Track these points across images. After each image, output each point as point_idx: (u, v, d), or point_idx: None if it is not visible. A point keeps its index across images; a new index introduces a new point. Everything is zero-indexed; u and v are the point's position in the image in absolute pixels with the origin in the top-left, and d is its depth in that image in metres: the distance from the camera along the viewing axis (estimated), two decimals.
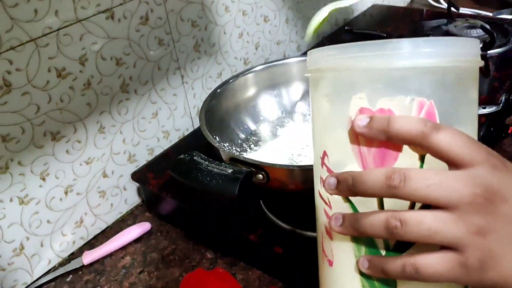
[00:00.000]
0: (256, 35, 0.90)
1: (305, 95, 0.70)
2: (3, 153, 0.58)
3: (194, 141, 0.78)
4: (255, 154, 0.62)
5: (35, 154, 0.61)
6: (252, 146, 0.66)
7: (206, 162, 0.46)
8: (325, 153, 0.35)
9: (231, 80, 0.65)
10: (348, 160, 0.34)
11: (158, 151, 0.77)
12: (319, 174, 0.36)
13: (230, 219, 0.61)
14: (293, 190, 0.53)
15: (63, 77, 0.61)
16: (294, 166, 0.48)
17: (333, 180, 0.33)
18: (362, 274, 0.34)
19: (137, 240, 0.70)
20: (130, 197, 0.76)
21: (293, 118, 0.70)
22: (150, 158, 0.76)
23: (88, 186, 0.69)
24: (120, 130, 0.71)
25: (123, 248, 0.69)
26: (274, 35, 0.95)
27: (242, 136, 0.65)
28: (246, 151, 0.64)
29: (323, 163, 0.35)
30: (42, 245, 0.65)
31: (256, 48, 0.91)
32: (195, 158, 0.47)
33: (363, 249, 0.34)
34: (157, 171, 0.72)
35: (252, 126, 0.67)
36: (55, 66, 0.60)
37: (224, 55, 0.84)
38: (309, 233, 0.56)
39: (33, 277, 0.66)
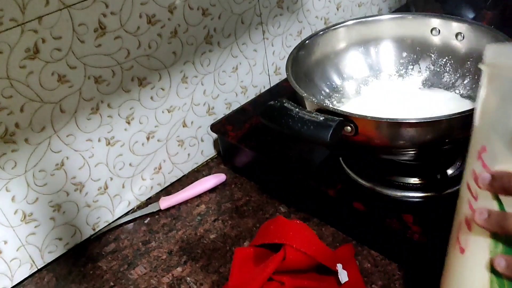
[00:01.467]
0: None
1: (393, 54, 0.68)
2: (95, 94, 0.60)
3: (271, 99, 0.77)
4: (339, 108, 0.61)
5: (122, 97, 0.63)
6: (334, 102, 0.65)
7: (297, 109, 0.46)
8: (483, 148, 0.35)
9: (321, 33, 0.64)
10: (506, 160, 0.34)
11: (235, 106, 0.78)
12: (472, 166, 0.36)
13: (308, 173, 0.61)
14: (378, 145, 0.52)
15: (152, 24, 0.62)
16: (384, 118, 0.47)
17: (488, 176, 0.34)
18: (493, 271, 0.35)
19: (212, 190, 0.72)
20: (207, 149, 0.77)
21: (378, 77, 0.68)
22: (227, 111, 0.77)
23: (168, 134, 0.71)
24: (202, 81, 0.72)
25: (198, 196, 0.71)
26: None
27: (326, 91, 0.65)
28: (330, 103, 0.64)
29: (479, 157, 0.35)
30: (123, 187, 0.68)
31: (338, 9, 0.89)
32: (285, 104, 0.47)
33: (500, 246, 0.35)
34: (235, 123, 0.72)
35: (337, 81, 0.66)
36: (146, 12, 0.61)
37: (306, 13, 0.83)
38: (389, 192, 0.55)
39: (114, 216, 0.69)
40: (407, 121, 0.47)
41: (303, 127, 0.44)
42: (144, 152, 0.69)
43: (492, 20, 0.84)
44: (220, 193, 0.71)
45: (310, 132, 0.43)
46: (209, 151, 0.78)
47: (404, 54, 0.68)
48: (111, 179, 0.66)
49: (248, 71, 0.78)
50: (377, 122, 0.47)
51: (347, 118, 0.47)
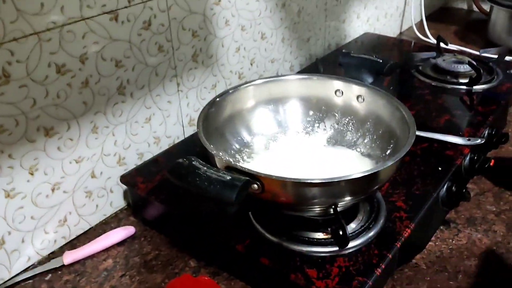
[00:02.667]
0: (252, 51, 0.91)
1: (300, 112, 0.72)
2: None
3: (184, 150, 0.78)
4: (247, 166, 0.63)
5: (26, 148, 0.60)
6: (245, 157, 0.66)
7: (205, 168, 0.47)
8: None
9: (230, 91, 0.66)
10: None
11: (147, 156, 0.77)
12: None
13: (218, 228, 0.61)
14: (284, 203, 0.54)
15: (62, 74, 0.61)
16: (289, 178, 0.49)
17: None
18: None
19: (120, 244, 0.69)
20: (116, 200, 0.75)
21: (286, 133, 0.71)
22: (139, 162, 0.76)
23: (75, 185, 0.68)
24: (113, 131, 0.71)
25: (106, 250, 0.68)
26: (269, 53, 0.96)
27: (236, 146, 0.66)
28: (239, 162, 0.65)
29: None
30: (23, 241, 0.64)
31: (251, 64, 0.93)
32: (193, 162, 0.48)
33: None
34: (146, 175, 0.71)
35: (247, 137, 0.68)
36: (56, 61, 0.60)
37: (220, 67, 0.85)
38: (295, 247, 0.57)
39: (11, 273, 0.64)
40: (309, 181, 0.49)
41: (210, 186, 0.45)
42: (48, 204, 0.66)
43: (389, 84, 0.92)
44: (129, 247, 0.69)
45: (216, 192, 0.44)
46: (119, 203, 0.76)
47: (311, 113, 0.72)
48: (9, 233, 0.62)
49: (161, 122, 0.78)
50: (282, 182, 0.49)
51: (254, 177, 0.49)
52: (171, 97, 0.78)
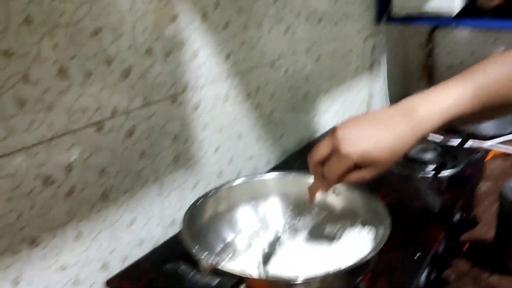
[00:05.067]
0: (230, 150, 0.96)
1: (280, 208, 0.75)
2: None
3: (168, 250, 0.79)
4: (232, 265, 0.64)
5: (9, 260, 0.61)
6: (229, 256, 0.68)
7: (192, 273, 0.49)
8: None
9: (210, 193, 0.69)
10: None
11: (132, 259, 0.78)
12: None
13: None
14: None
15: (48, 185, 0.63)
16: (273, 278, 0.50)
17: None
18: None
19: None
20: None
21: (267, 229, 0.73)
22: (123, 265, 0.76)
23: None
24: (97, 237, 0.72)
25: None
26: (246, 151, 1.01)
27: (220, 245, 0.68)
28: (223, 261, 0.66)
29: None
30: None
31: (230, 162, 0.97)
32: (180, 269, 0.49)
33: None
34: (132, 279, 0.72)
35: (229, 236, 0.70)
36: (42, 173, 0.62)
37: (201, 167, 0.89)
38: None
39: None
40: (292, 281, 0.51)
41: None
42: None
43: None
44: None
45: None
46: None
47: (291, 207, 0.75)
48: None
49: (144, 224, 0.80)
50: (267, 282, 0.51)
51: (240, 279, 0.50)
52: (153, 199, 0.80)
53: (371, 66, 1.51)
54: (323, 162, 0.61)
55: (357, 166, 0.58)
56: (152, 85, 0.76)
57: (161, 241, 0.83)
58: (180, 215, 0.67)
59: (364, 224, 0.68)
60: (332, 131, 0.60)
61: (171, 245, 0.81)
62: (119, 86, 0.71)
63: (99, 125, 0.69)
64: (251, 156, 1.03)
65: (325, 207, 0.72)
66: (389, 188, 0.93)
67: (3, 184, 0.58)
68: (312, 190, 0.66)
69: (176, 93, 0.80)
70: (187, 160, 0.86)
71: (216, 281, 0.47)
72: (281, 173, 0.76)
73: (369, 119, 0.60)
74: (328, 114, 1.31)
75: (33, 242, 0.63)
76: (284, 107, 1.11)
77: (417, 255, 0.73)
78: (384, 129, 0.58)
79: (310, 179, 0.73)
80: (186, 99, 0.83)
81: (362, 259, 0.54)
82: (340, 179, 0.60)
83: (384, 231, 0.59)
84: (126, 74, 0.71)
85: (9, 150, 0.59)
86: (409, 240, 0.76)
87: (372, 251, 0.55)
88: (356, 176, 0.59)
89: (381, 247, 0.56)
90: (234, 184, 0.72)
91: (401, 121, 0.58)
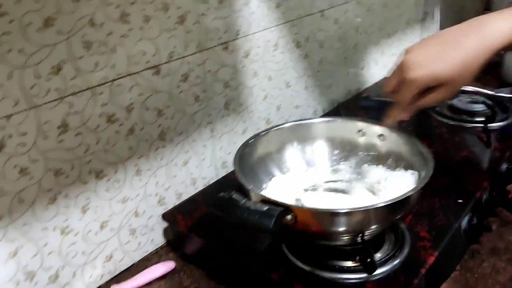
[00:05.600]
0: (278, 98, 0.99)
1: (326, 151, 0.78)
2: (54, 186, 0.64)
3: (218, 190, 0.83)
4: (279, 197, 0.68)
5: (80, 189, 0.67)
6: (277, 190, 0.72)
7: (243, 200, 0.53)
8: None
9: (263, 133, 0.73)
10: None
11: (185, 196, 0.83)
12: None
13: (253, 259, 0.66)
14: (315, 233, 0.59)
15: (111, 122, 0.69)
16: (319, 209, 0.54)
17: None
18: None
19: (161, 278, 0.74)
20: (157, 238, 0.81)
21: (314, 171, 0.77)
22: (177, 202, 0.82)
23: (121, 223, 0.74)
24: (155, 174, 0.77)
25: (148, 284, 0.73)
26: (294, 100, 1.04)
27: (269, 182, 0.72)
28: (272, 193, 0.71)
29: None
30: (74, 275, 0.70)
31: (278, 110, 1.00)
32: (233, 196, 0.53)
33: None
34: (185, 213, 0.77)
35: (278, 174, 0.74)
36: (106, 112, 0.68)
37: (250, 114, 0.93)
38: (326, 274, 0.61)
39: None
40: (338, 211, 0.54)
41: (249, 216, 0.50)
42: (97, 241, 0.72)
43: (407, 125, 0.98)
44: (169, 281, 0.74)
45: (255, 221, 0.50)
46: (159, 240, 0.81)
47: (336, 152, 0.77)
48: (63, 267, 0.68)
49: (197, 165, 0.85)
50: (313, 212, 0.55)
51: (288, 209, 0.54)
52: (206, 141, 0.85)
53: (424, 18, 1.48)
54: (396, 90, 0.62)
55: (429, 89, 0.59)
56: (206, 31, 0.79)
57: (212, 181, 0.88)
58: (230, 158, 0.71)
59: (407, 168, 0.70)
60: (401, 58, 0.61)
61: (222, 185, 0.86)
62: (175, 32, 0.74)
63: (156, 69, 0.73)
64: (299, 105, 1.06)
65: (371, 151, 0.74)
66: (436, 137, 0.94)
67: (72, 120, 0.64)
68: (389, 118, 0.66)
69: (228, 40, 0.83)
70: (238, 106, 0.90)
71: (265, 207, 0.51)
72: (328, 118, 0.78)
73: (436, 40, 0.61)
74: (377, 66, 1.31)
75: (98, 174, 0.69)
76: (333, 57, 1.12)
77: (461, 200, 0.74)
78: (454, 47, 0.58)
79: (357, 124, 0.76)
80: (238, 46, 0.86)
81: (402, 195, 0.56)
82: (412, 104, 0.61)
83: (427, 172, 0.61)
84: (182, 20, 0.75)
85: (78, 89, 0.64)
86: (453, 186, 0.78)
87: (413, 189, 0.57)
88: (431, 98, 0.60)
89: (422, 186, 0.58)
90: (283, 127, 0.75)
91: (471, 36, 0.58)
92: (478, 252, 0.74)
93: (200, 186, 0.86)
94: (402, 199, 0.56)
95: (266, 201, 0.56)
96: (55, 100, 0.61)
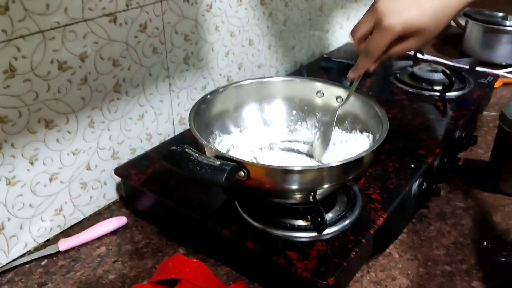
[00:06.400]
0: (240, 56, 0.97)
1: (284, 111, 0.78)
2: None
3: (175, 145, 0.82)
4: (234, 153, 0.68)
5: (27, 138, 0.65)
6: (233, 145, 0.72)
7: (196, 154, 0.52)
8: None
9: (221, 90, 0.71)
10: None
11: (139, 152, 0.82)
12: None
13: (206, 215, 0.66)
14: (268, 189, 0.59)
15: (63, 70, 0.66)
16: (272, 166, 0.54)
17: None
18: None
19: (112, 233, 0.73)
20: (109, 192, 0.79)
21: (271, 130, 0.76)
22: (131, 157, 0.81)
23: (71, 176, 0.72)
24: (108, 127, 0.75)
25: (99, 238, 0.72)
26: (256, 59, 1.02)
27: (225, 138, 0.72)
28: (226, 149, 0.70)
29: None
30: (21, 228, 0.68)
31: (239, 68, 0.98)
32: (186, 150, 0.52)
33: None
34: (139, 168, 0.76)
35: (235, 131, 0.73)
36: (58, 58, 0.64)
37: (210, 70, 0.91)
38: (278, 232, 0.62)
39: (8, 258, 0.68)
40: (290, 168, 0.54)
41: (201, 170, 0.49)
42: (46, 193, 0.70)
43: (368, 90, 0.99)
44: (121, 236, 0.73)
45: (207, 175, 0.49)
46: (112, 195, 0.80)
47: (294, 112, 0.77)
48: (9, 219, 0.66)
49: (154, 120, 0.83)
50: (266, 169, 0.54)
51: (241, 164, 0.53)
52: (163, 96, 0.83)
53: None
54: (366, 38, 0.60)
55: (400, 37, 0.57)
56: None
57: (169, 137, 0.87)
58: (188, 114, 0.70)
59: (363, 130, 0.70)
60: (373, 4, 0.58)
61: (177, 141, 0.85)
62: None
63: (113, 16, 0.70)
64: (261, 64, 1.04)
65: (327, 113, 0.74)
66: (395, 103, 0.95)
67: (20, 65, 0.61)
68: (356, 69, 0.64)
69: None
70: (198, 61, 0.87)
71: (218, 162, 0.50)
72: (288, 77, 0.77)
73: None
74: (342, 30, 1.30)
75: (48, 124, 0.66)
76: (298, 17, 1.10)
77: (413, 165, 0.76)
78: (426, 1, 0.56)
79: (316, 84, 0.75)
80: None
81: (354, 156, 0.57)
82: (384, 53, 0.59)
83: (381, 135, 0.61)
84: None
85: (27, 32, 0.60)
86: (407, 151, 0.80)
87: (365, 151, 0.58)
88: (401, 47, 0.58)
89: (374, 148, 0.58)
90: (242, 83, 0.74)
91: None
92: (426, 216, 0.77)
93: (155, 142, 0.85)
94: (354, 160, 0.56)
95: (219, 156, 0.55)
96: (1, 42, 0.58)
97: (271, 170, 0.55)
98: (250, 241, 0.61)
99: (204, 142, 0.57)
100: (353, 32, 0.62)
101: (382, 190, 0.70)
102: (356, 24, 0.62)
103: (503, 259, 0.69)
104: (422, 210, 0.78)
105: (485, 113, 1.08)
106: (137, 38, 0.74)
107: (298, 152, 0.73)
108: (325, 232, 0.61)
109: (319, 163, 0.54)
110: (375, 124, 0.67)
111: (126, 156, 0.80)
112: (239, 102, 0.74)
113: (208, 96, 0.69)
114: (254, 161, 0.65)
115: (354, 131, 0.72)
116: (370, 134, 0.68)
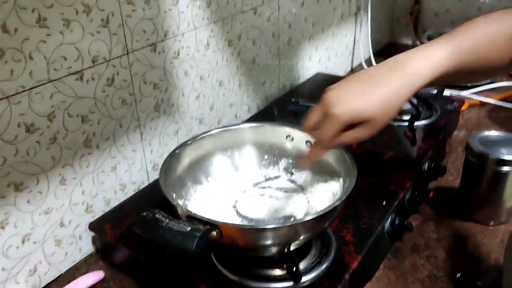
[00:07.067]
0: (211, 97, 0.98)
1: (255, 157, 0.78)
2: None
3: (149, 194, 0.83)
4: (206, 210, 0.68)
5: None
6: (205, 202, 0.72)
7: (167, 220, 0.52)
8: None
9: (189, 142, 0.72)
10: None
11: (114, 203, 0.81)
12: None
13: (182, 270, 0.66)
14: (241, 246, 0.59)
15: (31, 132, 0.66)
16: (244, 225, 0.55)
17: None
18: None
19: None
20: (85, 246, 0.79)
21: (243, 178, 0.77)
22: (106, 209, 0.80)
23: (45, 235, 0.72)
24: (80, 182, 0.75)
25: None
26: (228, 98, 1.03)
27: (196, 193, 0.72)
28: (198, 206, 0.70)
29: None
30: None
31: (211, 109, 0.99)
32: (156, 216, 0.53)
33: None
34: (113, 222, 0.76)
35: (205, 184, 0.74)
36: (25, 121, 0.64)
37: (182, 114, 0.91)
38: (255, 284, 0.62)
39: None
40: (263, 227, 0.55)
41: (172, 238, 0.50)
42: (19, 255, 0.69)
43: None
44: None
45: (178, 243, 0.49)
46: (88, 248, 0.79)
47: (265, 157, 0.78)
48: None
49: (127, 170, 0.83)
50: (239, 229, 0.55)
51: (212, 225, 0.54)
52: (135, 146, 0.83)
53: (357, 12, 1.50)
54: (316, 127, 0.61)
55: (350, 126, 0.58)
56: (132, 33, 0.76)
57: (143, 185, 0.87)
58: (162, 160, 0.70)
59: (333, 175, 0.71)
60: (323, 94, 0.60)
61: (153, 189, 0.85)
62: (99, 35, 0.71)
63: (79, 74, 0.70)
64: (232, 103, 1.05)
65: (298, 156, 0.76)
66: None
67: None
68: (308, 158, 0.65)
69: (156, 41, 0.81)
70: (168, 107, 0.88)
71: (189, 227, 0.51)
72: (257, 123, 0.78)
73: (359, 78, 0.60)
74: (312, 61, 1.32)
75: (18, 187, 0.66)
76: (267, 53, 1.12)
77: (385, 202, 0.77)
78: (376, 86, 0.58)
79: (285, 129, 0.77)
80: (167, 46, 0.84)
81: (328, 207, 0.58)
82: (333, 141, 0.59)
83: (350, 181, 0.62)
84: (106, 22, 0.72)
85: None
86: (378, 188, 0.81)
87: (337, 200, 0.59)
88: (350, 136, 0.59)
89: (346, 196, 0.60)
90: (210, 133, 0.75)
91: (393, 76, 0.58)
92: (400, 251, 0.78)
93: (130, 191, 0.85)
94: (327, 212, 0.57)
95: (191, 217, 0.55)
96: None
97: (243, 230, 0.55)
98: None
99: (175, 203, 0.57)
100: (304, 122, 0.63)
101: (355, 231, 0.71)
102: (307, 114, 0.63)
103: None
104: (397, 242, 0.79)
105: (454, 134, 1.11)
106: (105, 92, 0.75)
107: (275, 198, 0.73)
108: (302, 280, 0.62)
109: (292, 220, 0.55)
110: (344, 169, 0.68)
111: (100, 209, 0.80)
112: (208, 152, 0.75)
113: (177, 151, 0.70)
114: (231, 212, 0.66)
115: (324, 175, 0.73)
116: (341, 179, 0.69)
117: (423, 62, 0.58)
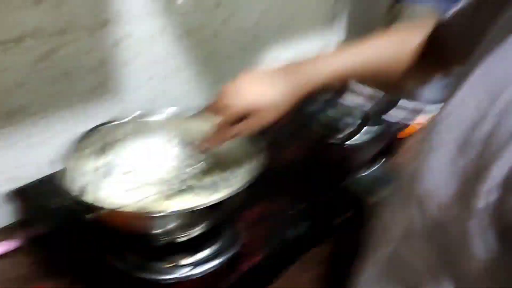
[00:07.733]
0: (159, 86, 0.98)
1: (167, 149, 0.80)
2: None
3: None
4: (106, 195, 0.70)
5: None
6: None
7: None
8: None
9: (99, 127, 0.73)
10: None
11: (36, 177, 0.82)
12: None
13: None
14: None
15: None
16: (122, 209, 0.58)
17: None
18: None
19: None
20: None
21: (152, 168, 0.79)
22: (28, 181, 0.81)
23: None
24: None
25: None
26: (175, 92, 1.03)
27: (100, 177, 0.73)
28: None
29: None
30: None
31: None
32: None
33: None
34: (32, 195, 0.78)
35: (113, 170, 0.76)
36: None
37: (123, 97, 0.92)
38: (147, 275, 0.65)
39: None
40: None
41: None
42: None
43: None
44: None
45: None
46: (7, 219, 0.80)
47: (177, 147, 0.80)
48: None
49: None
50: (118, 212, 0.58)
51: (92, 208, 0.57)
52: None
53: (332, 18, 1.49)
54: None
55: (244, 117, 0.63)
56: (68, 14, 0.77)
57: None
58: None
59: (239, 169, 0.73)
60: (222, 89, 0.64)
61: None
62: (31, 10, 0.72)
63: (4, 46, 0.71)
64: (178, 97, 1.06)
65: (211, 154, 0.76)
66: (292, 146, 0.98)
67: None
68: (206, 139, 0.69)
69: (94, 27, 0.82)
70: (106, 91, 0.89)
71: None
72: (173, 114, 0.78)
73: (257, 78, 0.65)
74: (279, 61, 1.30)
75: None
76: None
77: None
78: (269, 86, 0.63)
79: (199, 122, 0.77)
80: (104, 34, 0.84)
81: (216, 200, 0.59)
82: (227, 130, 0.64)
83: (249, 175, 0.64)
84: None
85: None
86: (292, 192, 0.83)
87: (230, 193, 0.61)
88: (241, 126, 0.64)
89: (238, 191, 0.61)
90: (124, 120, 0.75)
91: (283, 80, 0.63)
92: (303, 262, 0.78)
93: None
94: (215, 203, 0.59)
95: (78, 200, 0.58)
96: None
97: (123, 214, 0.58)
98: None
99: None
100: (206, 109, 0.67)
101: (258, 234, 0.73)
102: (208, 105, 0.67)
103: None
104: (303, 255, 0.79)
105: None
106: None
107: (184, 191, 0.74)
108: (193, 272, 0.65)
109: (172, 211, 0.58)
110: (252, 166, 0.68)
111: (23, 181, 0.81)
112: (119, 140, 0.76)
113: (88, 132, 0.71)
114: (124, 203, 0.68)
115: (229, 170, 0.74)
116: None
117: (318, 68, 0.62)
